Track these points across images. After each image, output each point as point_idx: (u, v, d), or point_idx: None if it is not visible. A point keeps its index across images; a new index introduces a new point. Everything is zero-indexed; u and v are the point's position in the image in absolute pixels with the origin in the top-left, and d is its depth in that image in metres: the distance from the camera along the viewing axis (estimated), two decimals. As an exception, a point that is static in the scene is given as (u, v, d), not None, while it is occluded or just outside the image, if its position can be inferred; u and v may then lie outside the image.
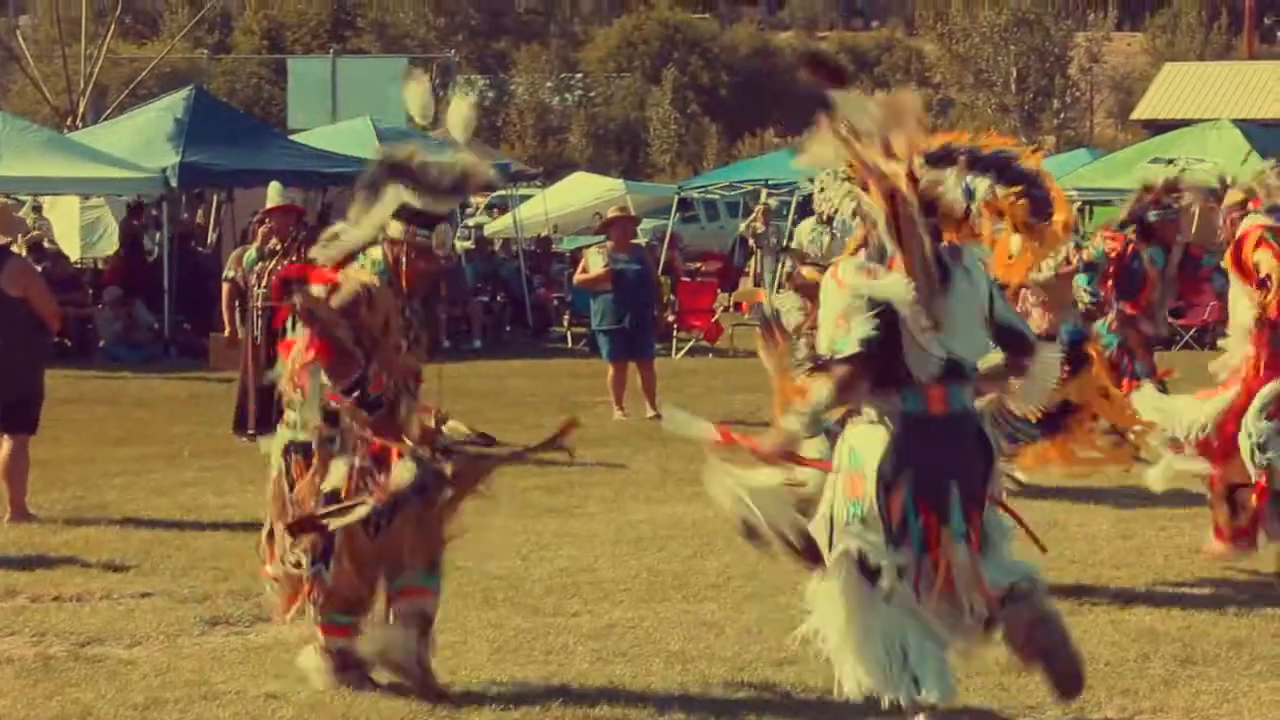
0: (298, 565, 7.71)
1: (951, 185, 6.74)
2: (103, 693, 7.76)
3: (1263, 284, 10.03)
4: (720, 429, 7.05)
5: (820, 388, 6.64)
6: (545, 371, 22.15)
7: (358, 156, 26.91)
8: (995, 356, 6.87)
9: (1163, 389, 13.39)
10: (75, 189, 26.25)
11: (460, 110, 8.21)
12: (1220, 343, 10.52)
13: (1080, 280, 13.24)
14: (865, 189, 6.80)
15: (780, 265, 17.89)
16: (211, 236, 28.02)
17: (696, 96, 73.85)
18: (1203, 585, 9.99)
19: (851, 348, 6.55)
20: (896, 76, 77.62)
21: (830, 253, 10.17)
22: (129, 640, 8.71)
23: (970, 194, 6.72)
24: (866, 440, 6.66)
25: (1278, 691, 7.92)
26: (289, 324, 8.03)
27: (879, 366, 6.60)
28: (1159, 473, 10.31)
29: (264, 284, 15.03)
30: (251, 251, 15.55)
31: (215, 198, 28.01)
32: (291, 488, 7.81)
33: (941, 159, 6.79)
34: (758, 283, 29.95)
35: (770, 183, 32.21)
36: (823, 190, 9.70)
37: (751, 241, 31.82)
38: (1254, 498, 10.02)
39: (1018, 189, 6.74)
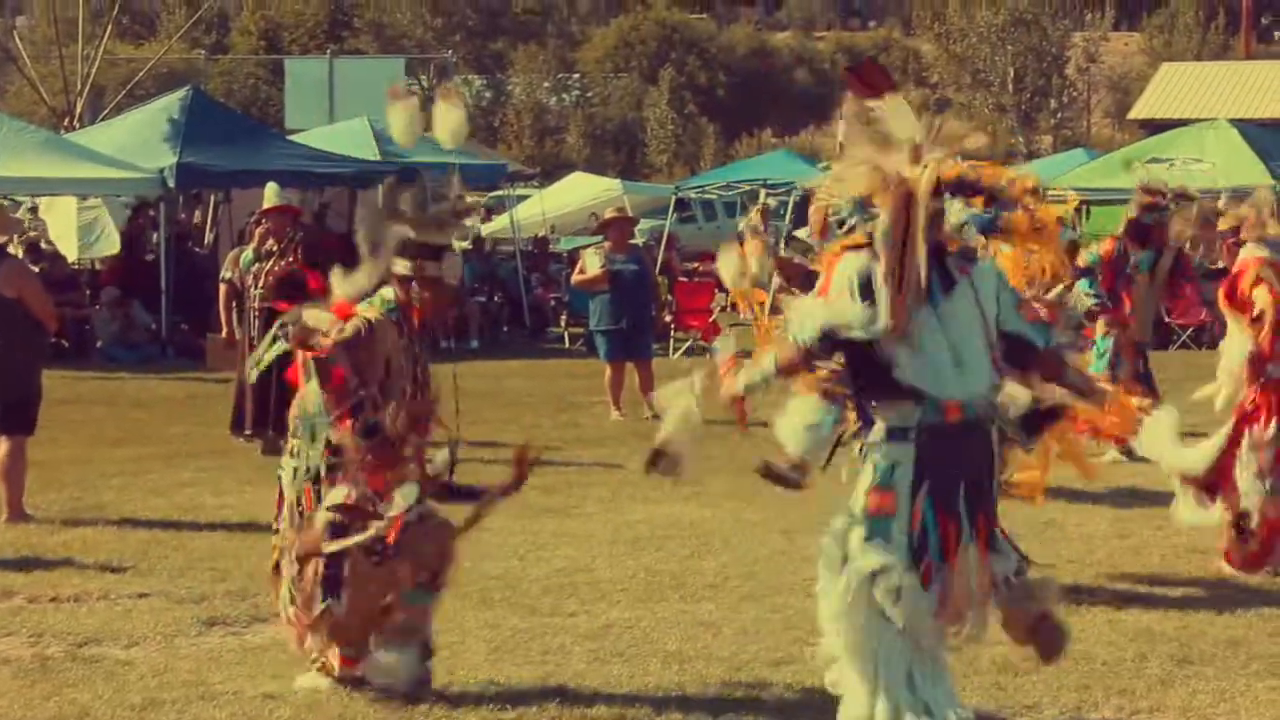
0: (308, 602, 7.68)
1: (955, 211, 6.86)
2: (100, 693, 7.76)
3: (1256, 320, 10.11)
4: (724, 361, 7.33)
5: (767, 359, 6.93)
6: (542, 372, 22.16)
7: (355, 157, 27.01)
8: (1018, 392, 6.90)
9: (1149, 384, 13.45)
10: (72, 190, 26.24)
11: (449, 119, 8.16)
12: (1221, 345, 10.56)
13: (1081, 285, 13.29)
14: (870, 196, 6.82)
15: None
16: (209, 237, 28.02)
17: (694, 97, 73.85)
18: (1199, 585, 10.00)
19: (805, 337, 6.75)
20: (894, 76, 77.65)
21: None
22: (126, 641, 8.71)
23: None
24: (893, 458, 6.70)
25: (1274, 690, 7.93)
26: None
27: (884, 378, 6.65)
28: (1186, 512, 10.28)
29: (261, 285, 15.02)
30: (248, 252, 15.54)
31: (212, 198, 28.00)
32: (302, 516, 7.79)
33: (958, 189, 6.88)
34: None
35: (769, 183, 32.23)
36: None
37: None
38: (1264, 529, 10.09)
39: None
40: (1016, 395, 6.92)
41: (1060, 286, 13.67)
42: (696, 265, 33.58)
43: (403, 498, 7.59)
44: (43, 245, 25.52)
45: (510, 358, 23.79)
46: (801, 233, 11.42)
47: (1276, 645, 8.67)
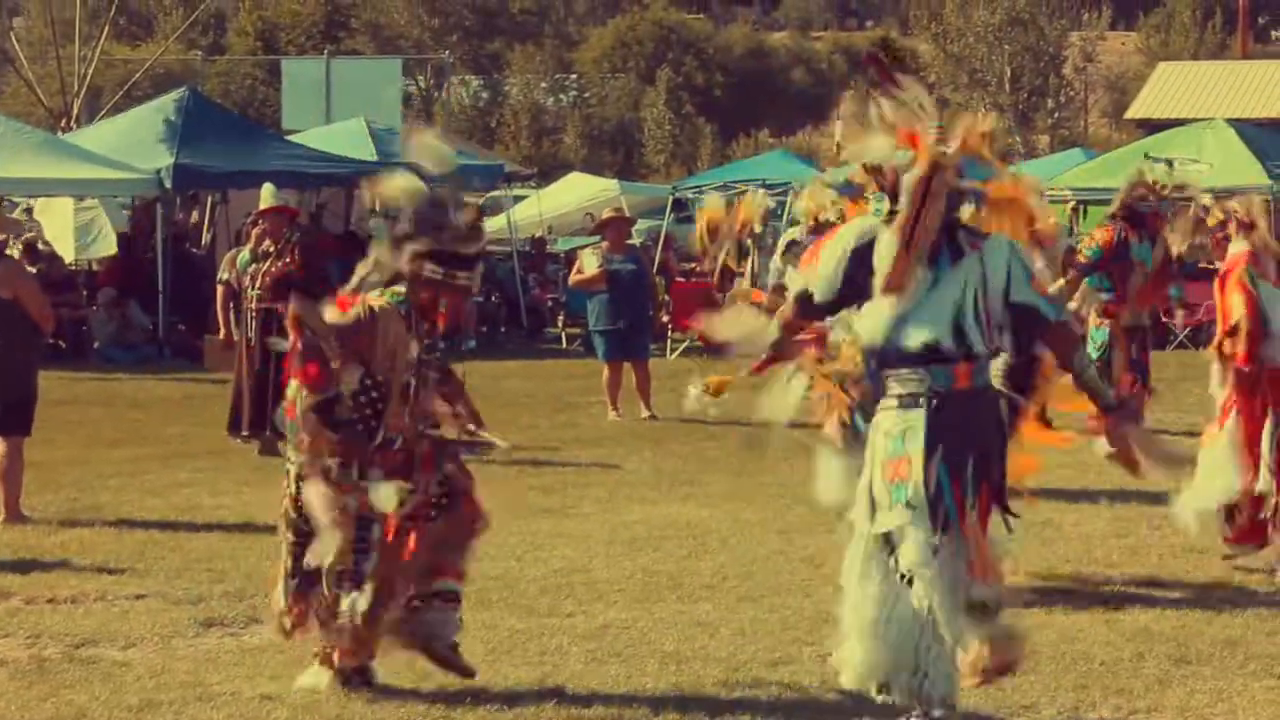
0: (333, 607, 7.69)
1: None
2: (97, 694, 7.75)
3: (1233, 331, 10.13)
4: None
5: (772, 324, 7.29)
6: (540, 372, 22.16)
7: (352, 157, 27.00)
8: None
9: (1143, 373, 13.47)
10: (69, 190, 26.23)
11: (428, 147, 8.11)
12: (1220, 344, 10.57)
13: (1090, 282, 13.31)
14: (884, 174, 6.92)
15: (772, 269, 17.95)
16: (206, 238, 28.01)
17: (691, 97, 73.84)
18: (1197, 585, 9.99)
19: (794, 288, 7.15)
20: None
21: None
22: (123, 642, 8.70)
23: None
24: (904, 424, 6.79)
25: (1272, 690, 7.93)
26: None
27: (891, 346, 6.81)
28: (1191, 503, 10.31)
29: (258, 285, 15.02)
30: (245, 253, 15.54)
31: (209, 199, 27.99)
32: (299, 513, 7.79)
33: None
34: (754, 283, 29.94)
35: (767, 183, 32.20)
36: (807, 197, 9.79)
37: (749, 241, 31.78)
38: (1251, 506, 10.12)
39: None
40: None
41: (1061, 281, 13.75)
42: (694, 265, 33.56)
43: (384, 499, 7.59)
44: (40, 246, 25.51)
45: (507, 358, 23.79)
46: (793, 232, 11.43)
47: (1274, 645, 8.67)
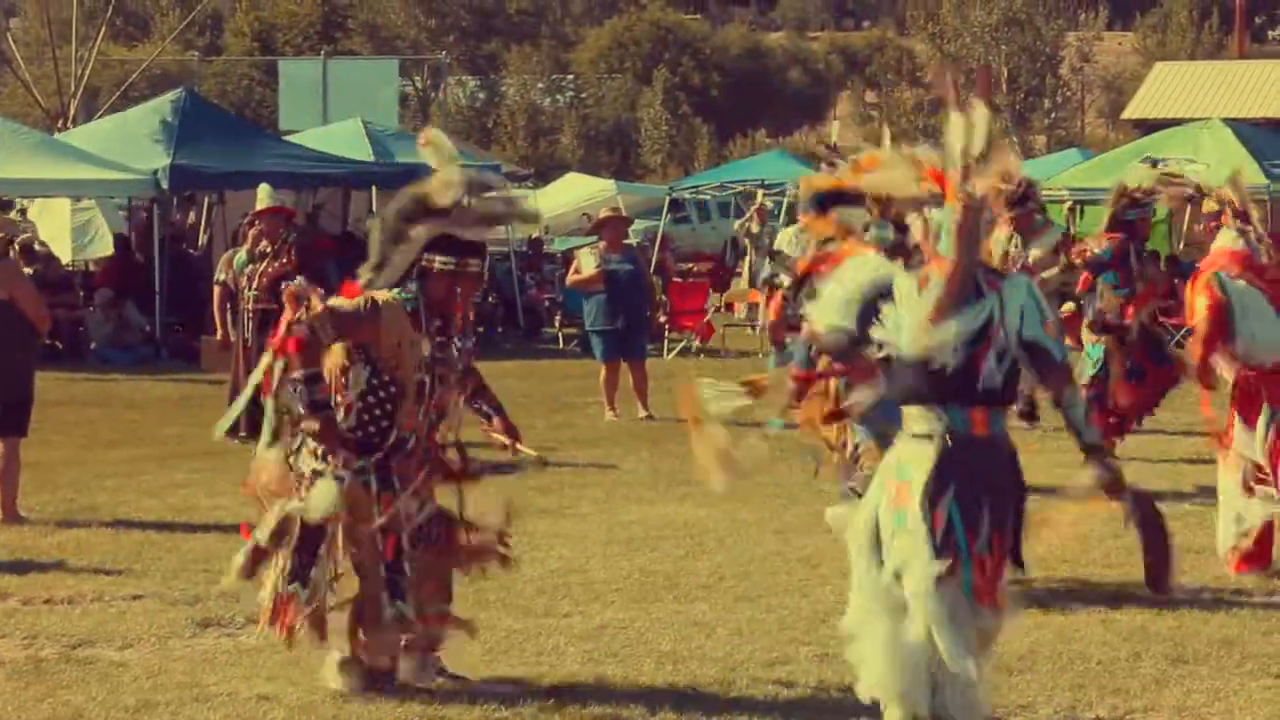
0: (376, 610, 7.70)
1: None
2: (94, 695, 7.76)
3: (1193, 331, 10.15)
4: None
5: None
6: (537, 372, 22.14)
7: (349, 158, 27.00)
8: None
9: (1140, 380, 13.49)
10: (66, 191, 26.22)
11: (436, 146, 8.08)
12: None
13: (1106, 279, 13.31)
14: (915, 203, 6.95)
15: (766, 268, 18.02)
16: (202, 238, 28.00)
17: (688, 97, 73.86)
18: (1194, 585, 9.99)
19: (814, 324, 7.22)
20: (888, 76, 77.78)
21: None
22: (120, 642, 8.70)
23: None
24: (914, 455, 6.81)
25: (1268, 690, 7.93)
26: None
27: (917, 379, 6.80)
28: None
29: (254, 286, 15.02)
30: (242, 254, 15.55)
31: (206, 200, 27.99)
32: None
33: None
34: (751, 283, 29.98)
35: (766, 183, 32.25)
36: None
37: (746, 241, 31.85)
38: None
39: None
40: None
41: (1055, 270, 13.76)
42: (691, 266, 33.61)
43: (319, 498, 7.59)
44: (36, 247, 25.49)
45: (505, 358, 23.75)
46: (783, 238, 11.44)
47: (1270, 645, 8.68)
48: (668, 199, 35.35)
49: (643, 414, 17.32)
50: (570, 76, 77.41)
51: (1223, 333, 10.05)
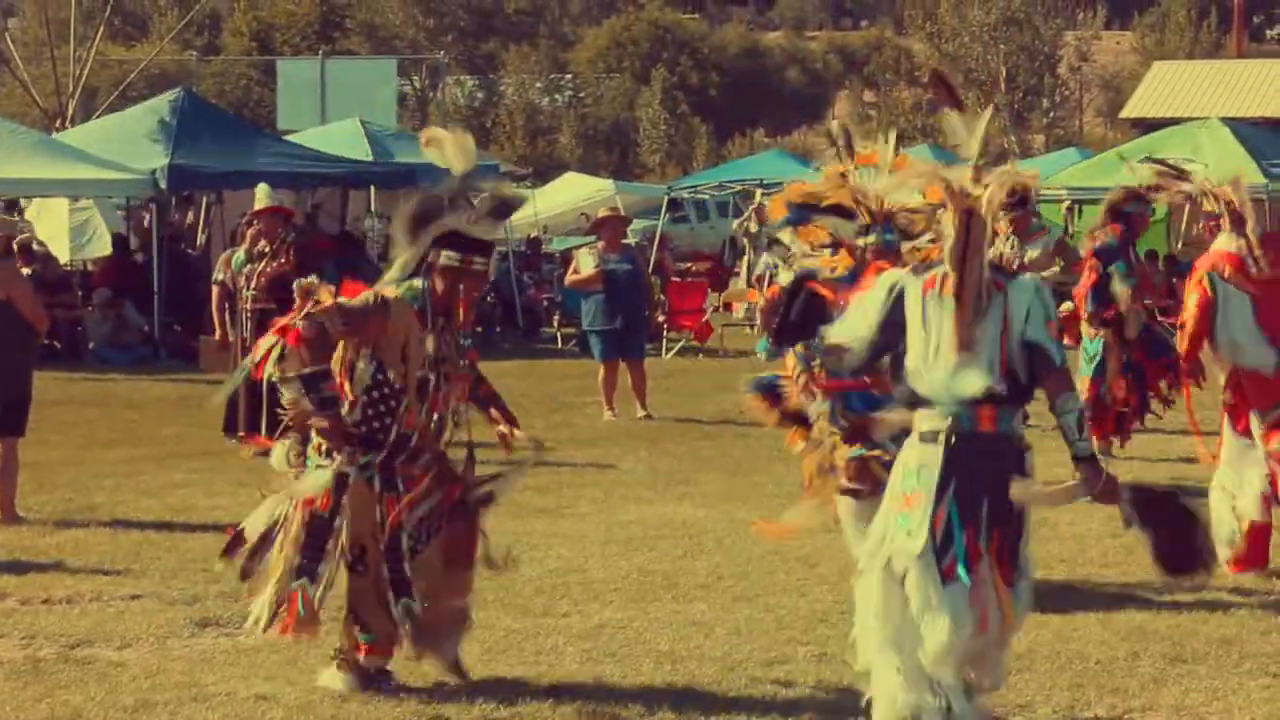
0: (382, 602, 7.69)
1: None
2: (92, 695, 7.76)
3: (1183, 326, 10.16)
4: None
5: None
6: (535, 372, 22.14)
7: (347, 158, 26.99)
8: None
9: (1139, 378, 13.49)
10: (64, 191, 26.22)
11: (453, 145, 8.09)
12: None
13: (1119, 270, 13.32)
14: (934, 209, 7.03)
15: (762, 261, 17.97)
16: (201, 238, 27.99)
17: (686, 97, 73.85)
18: (1192, 584, 9.99)
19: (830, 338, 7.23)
20: (886, 76, 77.78)
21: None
22: (119, 642, 8.70)
23: None
24: (920, 459, 6.86)
25: (1267, 689, 7.93)
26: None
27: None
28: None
29: (253, 286, 15.01)
30: (240, 253, 15.54)
31: (204, 199, 27.98)
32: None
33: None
34: (749, 282, 29.98)
35: (764, 182, 32.24)
36: None
37: (744, 241, 31.85)
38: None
39: None
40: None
41: (1053, 269, 13.76)
42: (689, 265, 33.60)
43: (313, 479, 7.60)
44: (34, 246, 25.49)
45: (503, 358, 23.75)
46: (784, 235, 11.39)
47: (1269, 644, 8.68)
48: (666, 198, 35.37)
49: (641, 414, 17.32)
50: (568, 76, 77.40)
51: (1210, 331, 10.10)
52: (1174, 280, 20.90)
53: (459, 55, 74.13)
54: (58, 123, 36.66)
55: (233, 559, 7.86)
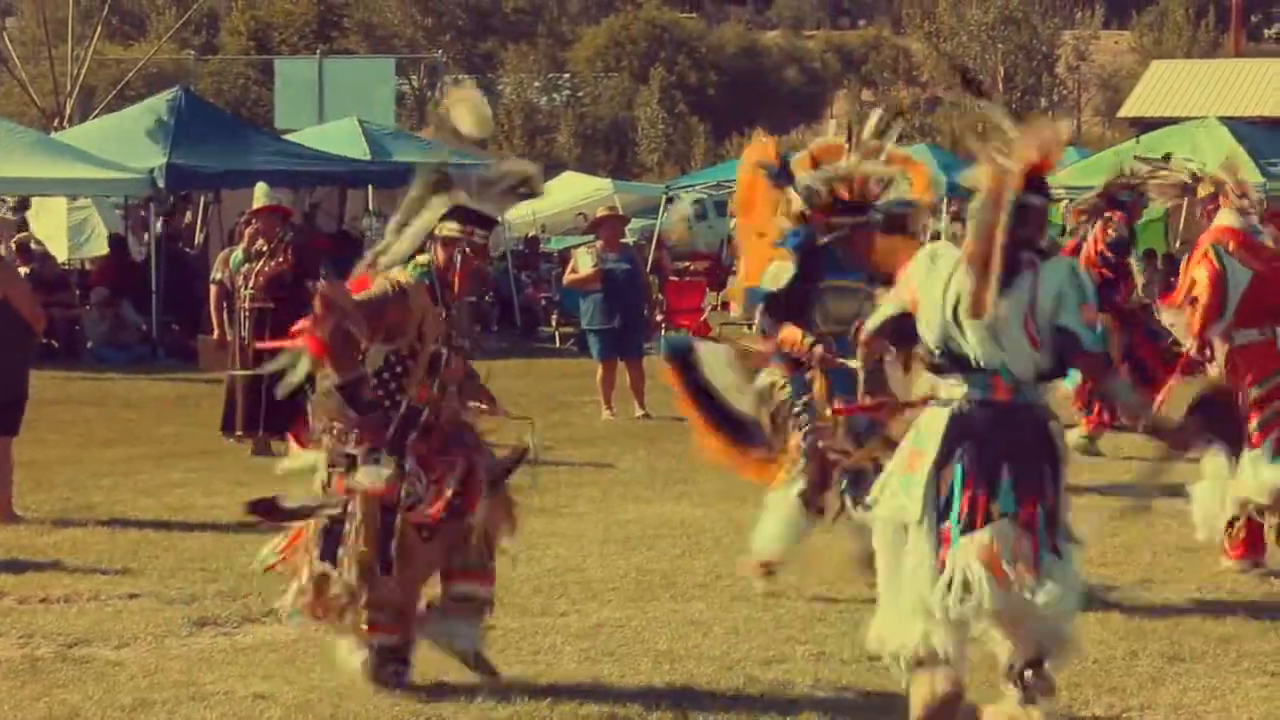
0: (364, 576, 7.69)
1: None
2: (90, 694, 7.75)
3: (1192, 302, 10.10)
4: None
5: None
6: (533, 371, 22.14)
7: (345, 156, 26.99)
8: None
9: (1140, 368, 13.51)
10: (62, 190, 26.21)
11: (470, 110, 8.11)
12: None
13: (1136, 264, 13.34)
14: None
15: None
16: (199, 237, 27.99)
17: (684, 96, 73.86)
18: (1190, 582, 10.00)
19: (870, 326, 7.19)
20: (884, 75, 77.83)
21: None
22: (116, 641, 8.69)
23: None
24: (931, 421, 6.88)
25: (1265, 688, 7.93)
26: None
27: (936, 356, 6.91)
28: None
29: (251, 285, 15.01)
30: (238, 252, 15.53)
31: (202, 199, 27.97)
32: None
33: (1039, 188, 6.96)
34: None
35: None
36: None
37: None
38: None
39: None
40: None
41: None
42: (687, 264, 33.59)
43: (367, 476, 7.60)
44: (32, 245, 25.50)
45: (501, 357, 23.75)
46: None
47: (1267, 643, 8.68)
48: (664, 198, 35.33)
49: (639, 413, 17.32)
50: (566, 75, 77.43)
51: (1222, 305, 10.03)
52: (1171, 280, 20.89)
53: (457, 54, 74.18)
54: (55, 122, 36.66)
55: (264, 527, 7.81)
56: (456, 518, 7.74)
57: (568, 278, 18.66)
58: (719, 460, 10.18)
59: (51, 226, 28.22)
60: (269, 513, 7.80)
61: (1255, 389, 10.03)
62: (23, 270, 21.44)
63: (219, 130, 25.55)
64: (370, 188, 27.62)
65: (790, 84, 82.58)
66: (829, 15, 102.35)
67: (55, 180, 24.53)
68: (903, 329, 7.04)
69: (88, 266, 27.90)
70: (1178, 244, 27.43)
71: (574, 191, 39.89)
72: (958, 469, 6.75)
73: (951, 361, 6.84)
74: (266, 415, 14.42)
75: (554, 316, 27.20)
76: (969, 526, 6.72)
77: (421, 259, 7.76)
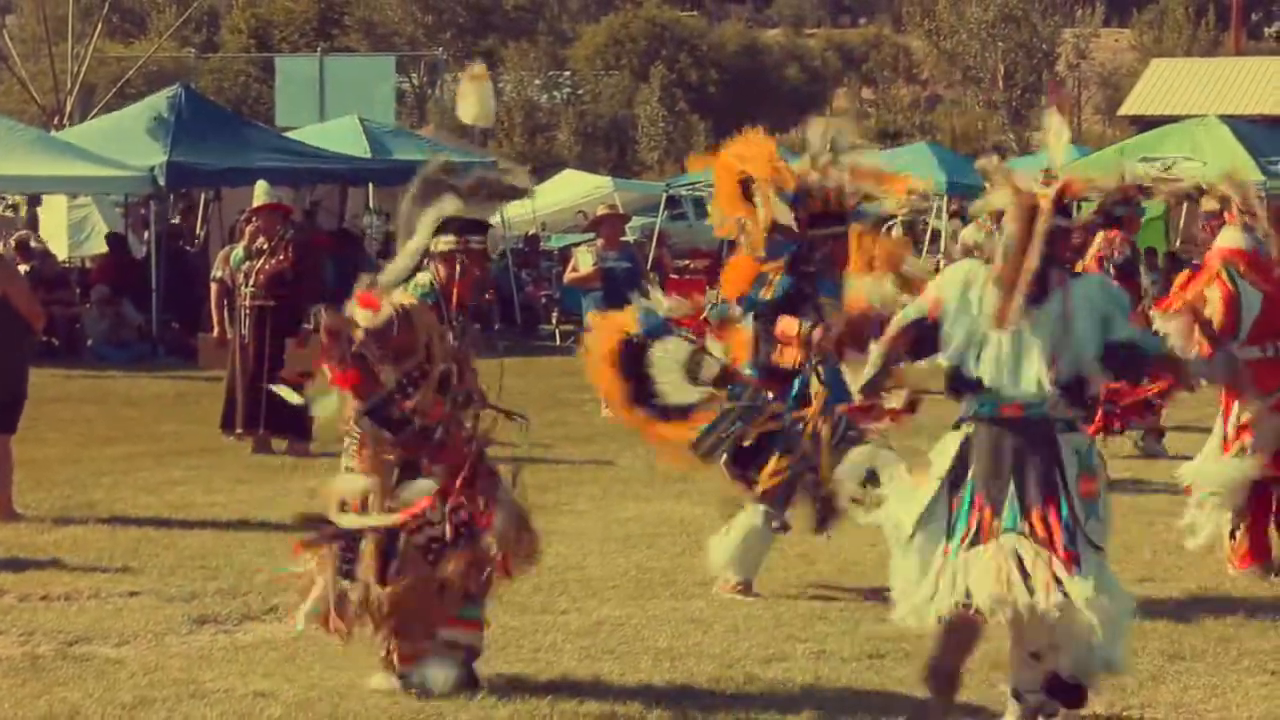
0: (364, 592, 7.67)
1: None
2: (90, 692, 7.75)
3: (1194, 313, 10.11)
4: None
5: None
6: (534, 369, 22.11)
7: (346, 154, 26.99)
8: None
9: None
10: (63, 188, 26.23)
11: (475, 97, 8.10)
12: None
13: (1148, 281, 13.35)
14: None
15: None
16: (199, 235, 27.99)
17: (684, 94, 73.81)
18: (1190, 581, 10.01)
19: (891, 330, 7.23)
20: (884, 73, 77.79)
21: None
22: (117, 639, 8.70)
23: None
24: (945, 444, 7.02)
25: (1265, 686, 7.94)
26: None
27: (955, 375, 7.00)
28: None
29: (251, 283, 15.01)
30: (239, 250, 15.53)
31: (203, 196, 27.97)
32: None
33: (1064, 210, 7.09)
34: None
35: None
36: None
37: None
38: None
39: None
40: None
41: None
42: (688, 262, 33.57)
43: (417, 491, 7.59)
44: (32, 243, 25.50)
45: (501, 355, 23.74)
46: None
47: (1267, 641, 8.69)
48: (664, 196, 35.32)
49: (639, 411, 17.29)
50: (567, 73, 77.37)
51: (1235, 326, 10.04)
52: (1171, 279, 20.89)
53: (457, 52, 74.06)
54: (56, 120, 36.70)
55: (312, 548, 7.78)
56: (469, 540, 7.72)
57: (568, 276, 18.66)
58: (630, 423, 10.19)
59: (52, 224, 28.23)
60: (320, 530, 7.76)
61: (1273, 395, 10.06)
62: (22, 268, 21.45)
63: (219, 128, 25.54)
64: (371, 185, 27.63)
65: (791, 82, 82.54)
66: (829, 13, 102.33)
67: (55, 178, 24.53)
68: (922, 338, 7.09)
69: (88, 264, 27.90)
70: (1178, 242, 27.44)
71: (574, 189, 39.86)
72: (967, 488, 6.88)
73: (964, 382, 6.94)
74: (267, 413, 14.43)
75: (554, 314, 27.19)
76: (974, 543, 6.83)
77: (423, 279, 7.72)
